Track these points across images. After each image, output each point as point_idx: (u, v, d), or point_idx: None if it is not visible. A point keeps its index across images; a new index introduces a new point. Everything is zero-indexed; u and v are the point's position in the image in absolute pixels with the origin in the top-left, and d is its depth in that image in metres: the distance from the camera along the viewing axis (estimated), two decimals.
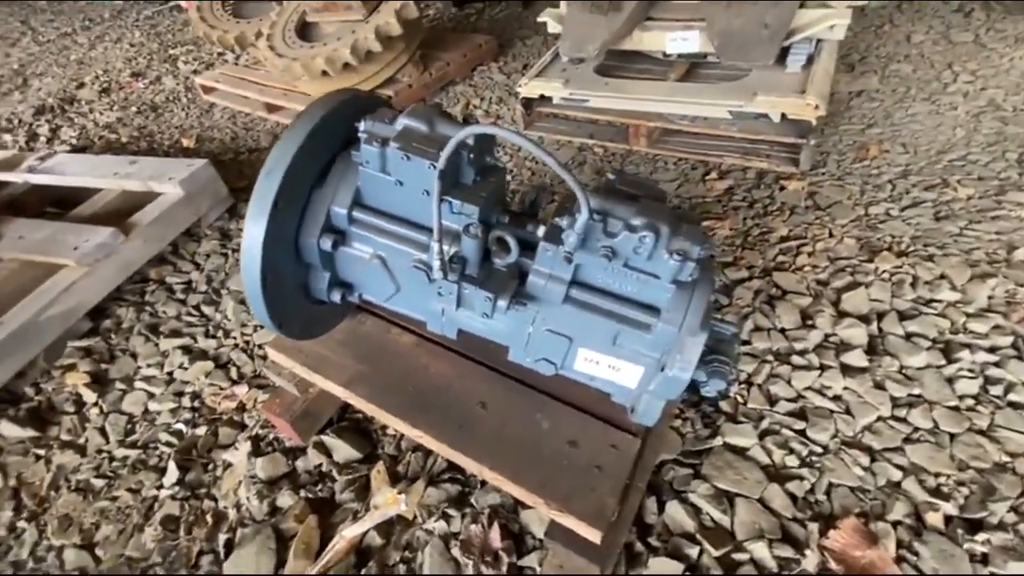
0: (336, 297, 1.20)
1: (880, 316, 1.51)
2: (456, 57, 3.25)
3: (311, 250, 1.11)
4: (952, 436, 1.23)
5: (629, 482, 1.13)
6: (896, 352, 1.41)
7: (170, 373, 1.70)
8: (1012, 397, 1.27)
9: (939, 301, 1.52)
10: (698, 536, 1.12)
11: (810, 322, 1.54)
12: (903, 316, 1.50)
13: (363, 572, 1.13)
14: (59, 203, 2.34)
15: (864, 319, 1.51)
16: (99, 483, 1.43)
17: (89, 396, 1.64)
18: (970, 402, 1.28)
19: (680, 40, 2.22)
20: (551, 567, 1.09)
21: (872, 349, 1.44)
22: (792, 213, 1.93)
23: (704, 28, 2.14)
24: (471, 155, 1.02)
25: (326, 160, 1.09)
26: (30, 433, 1.54)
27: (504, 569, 1.10)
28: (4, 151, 2.60)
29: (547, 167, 2.44)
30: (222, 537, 1.27)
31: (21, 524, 1.35)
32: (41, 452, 1.51)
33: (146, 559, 1.26)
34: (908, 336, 1.45)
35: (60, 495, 1.41)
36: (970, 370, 1.34)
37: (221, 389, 1.63)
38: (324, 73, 2.66)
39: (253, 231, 0.98)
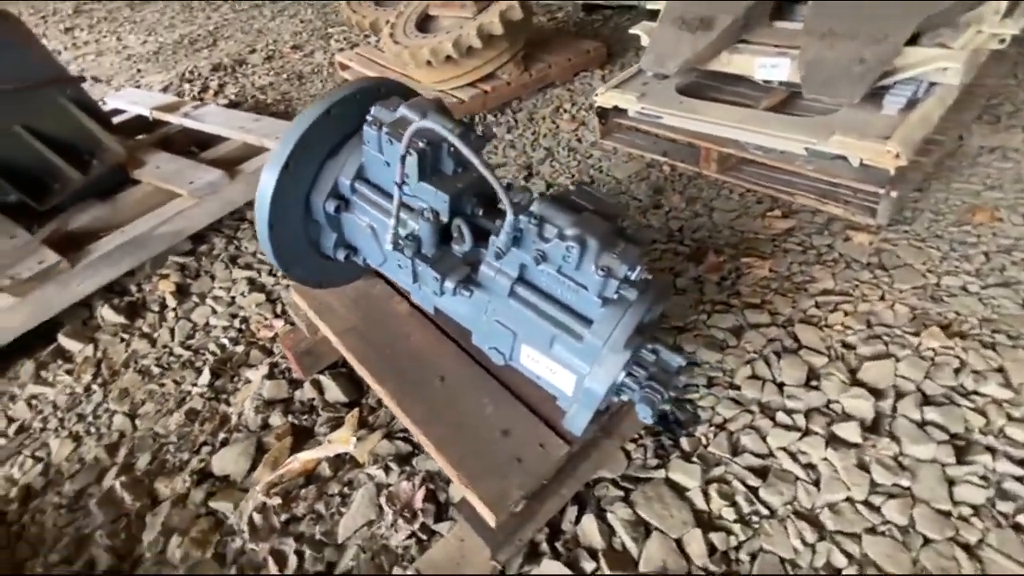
0: (340, 256, 1.38)
1: (900, 395, 1.34)
2: (560, 60, 3.34)
3: (319, 210, 1.28)
4: (927, 540, 1.08)
5: (547, 483, 1.17)
6: (900, 436, 1.25)
7: (233, 298, 2.03)
8: (1022, 519, 1.08)
9: (982, 395, 1.32)
10: (600, 554, 1.13)
11: (815, 383, 1.42)
12: (928, 401, 1.32)
13: (303, 492, 1.30)
14: (201, 145, 2.83)
15: (878, 393, 1.35)
16: (156, 370, 1.77)
17: (171, 302, 2.01)
18: (966, 511, 1.11)
19: (769, 67, 2.10)
20: (454, 537, 1.16)
21: (874, 427, 1.29)
22: (847, 267, 1.76)
23: (797, 56, 2.00)
24: (451, 148, 1.11)
25: (344, 135, 1.26)
26: (122, 320, 1.94)
27: (416, 526, 1.20)
28: (172, 97, 3.21)
29: (611, 175, 2.44)
30: (221, 435, 1.52)
31: (94, 387, 1.73)
32: (125, 336, 1.90)
33: (166, 436, 1.55)
34: (923, 423, 1.28)
35: (126, 372, 1.77)
36: (982, 477, 1.16)
37: (264, 319, 1.91)
38: (428, 63, 2.90)
39: (264, 185, 1.17)
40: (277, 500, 1.26)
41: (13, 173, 2.16)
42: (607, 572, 1.09)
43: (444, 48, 2.79)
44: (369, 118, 1.17)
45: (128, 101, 3.14)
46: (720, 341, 1.58)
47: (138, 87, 4.28)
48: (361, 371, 1.40)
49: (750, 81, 2.35)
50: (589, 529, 1.17)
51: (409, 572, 1.13)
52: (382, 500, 1.26)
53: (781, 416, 1.35)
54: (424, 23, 3.22)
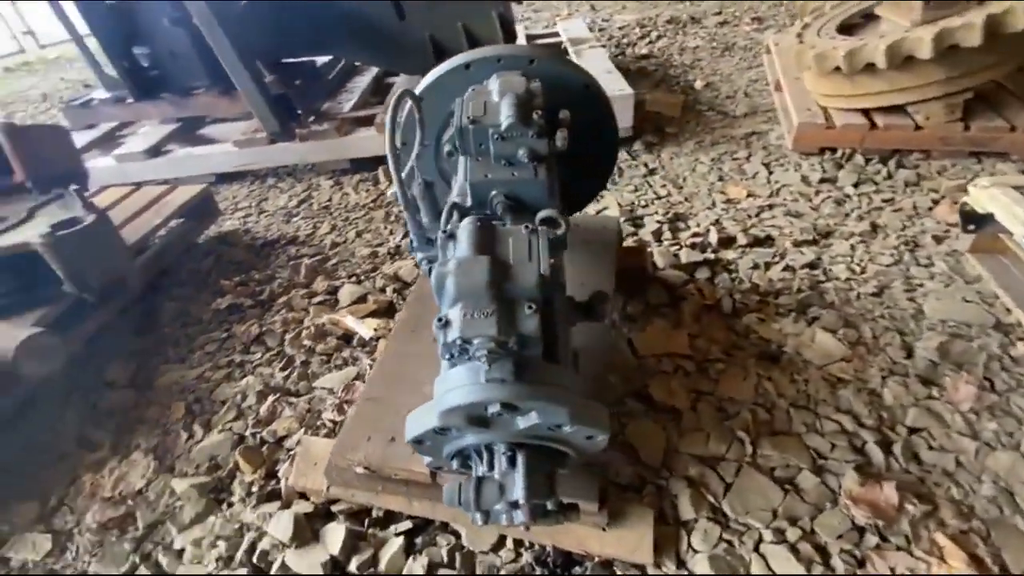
0: None
1: None
2: None
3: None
4: None
5: (394, 479, 1.15)
6: None
7: None
8: None
9: None
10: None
11: None
12: None
13: (329, 339, 1.65)
14: None
15: None
16: (392, 217, 2.38)
17: None
18: None
19: None
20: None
21: None
22: None
23: None
24: (496, 136, 1.04)
25: None
26: None
27: (340, 419, 1.39)
28: (590, 35, 3.63)
29: (916, 301, 1.62)
30: (363, 277, 2.00)
31: (369, 204, 2.46)
32: None
33: (352, 257, 2.14)
34: None
35: (379, 210, 2.44)
36: None
37: None
38: (810, 68, 2.35)
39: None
40: (311, 331, 1.66)
41: (437, 51, 3.01)
42: None
43: (830, 58, 2.19)
44: (485, 82, 1.19)
45: (564, 29, 3.75)
46: None
47: (604, 22, 4.95)
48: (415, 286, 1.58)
49: None
50: (391, 551, 1.12)
51: (295, 445, 1.36)
52: (344, 385, 1.49)
53: None
54: (854, 25, 2.54)
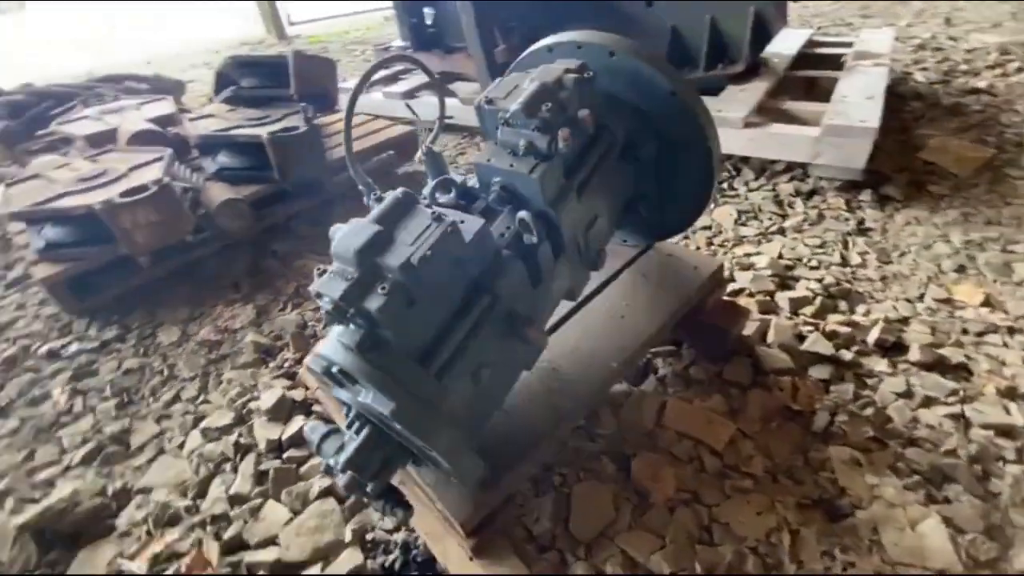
0: None
1: None
2: None
3: None
4: None
5: None
6: None
7: None
8: None
9: None
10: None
11: None
12: None
13: None
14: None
15: None
16: None
17: None
18: None
19: None
20: None
21: None
22: None
23: None
24: (502, 122, 0.98)
25: None
26: None
27: None
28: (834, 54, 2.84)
29: None
30: None
31: None
32: None
33: None
34: None
35: None
36: None
37: None
38: None
39: None
40: None
41: (676, 42, 2.80)
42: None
43: None
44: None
45: (862, 40, 3.06)
46: None
47: (951, 40, 3.80)
48: None
49: None
50: (315, 461, 1.25)
51: None
52: None
53: None
54: None
